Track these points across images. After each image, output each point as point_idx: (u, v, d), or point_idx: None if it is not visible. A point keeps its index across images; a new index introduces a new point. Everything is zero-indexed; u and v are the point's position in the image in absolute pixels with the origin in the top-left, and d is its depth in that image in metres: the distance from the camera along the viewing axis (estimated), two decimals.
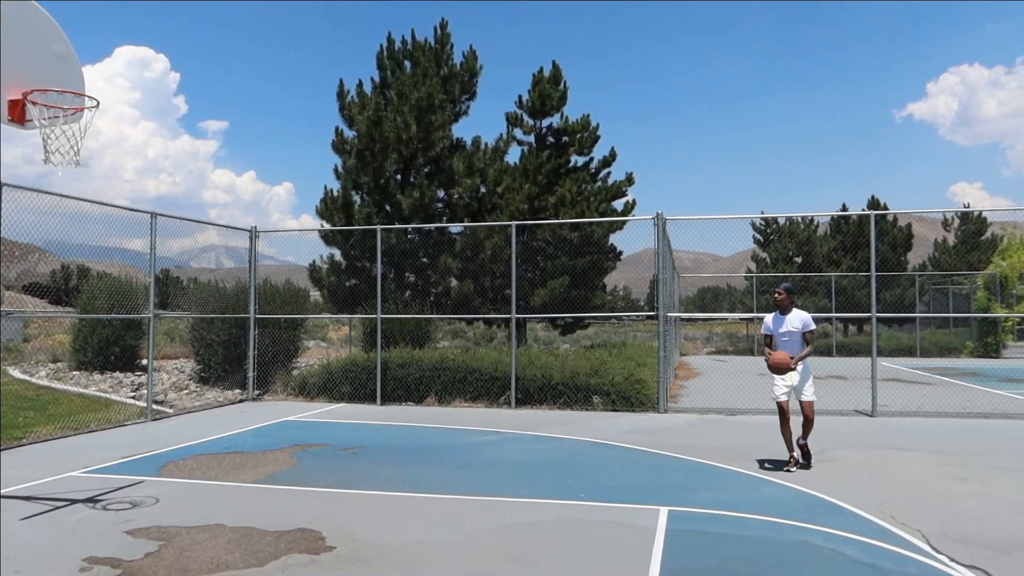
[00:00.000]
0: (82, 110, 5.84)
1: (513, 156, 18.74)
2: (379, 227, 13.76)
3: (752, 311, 27.75)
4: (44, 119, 5.57)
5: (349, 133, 17.42)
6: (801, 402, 7.44)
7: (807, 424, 7.44)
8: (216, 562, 4.62)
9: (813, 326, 7.43)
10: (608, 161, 18.56)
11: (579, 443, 9.04)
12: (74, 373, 15.79)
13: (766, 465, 7.58)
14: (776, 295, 7.54)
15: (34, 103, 5.55)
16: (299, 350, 16.43)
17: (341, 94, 17.54)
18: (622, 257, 18.45)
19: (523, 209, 17.06)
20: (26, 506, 5.97)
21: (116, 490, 6.52)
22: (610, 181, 18.37)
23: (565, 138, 18.36)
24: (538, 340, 28.02)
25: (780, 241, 33.30)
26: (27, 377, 15.23)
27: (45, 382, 14.53)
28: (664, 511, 5.78)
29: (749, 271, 33.41)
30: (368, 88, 17.70)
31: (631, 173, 18.39)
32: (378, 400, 12.74)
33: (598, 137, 18.35)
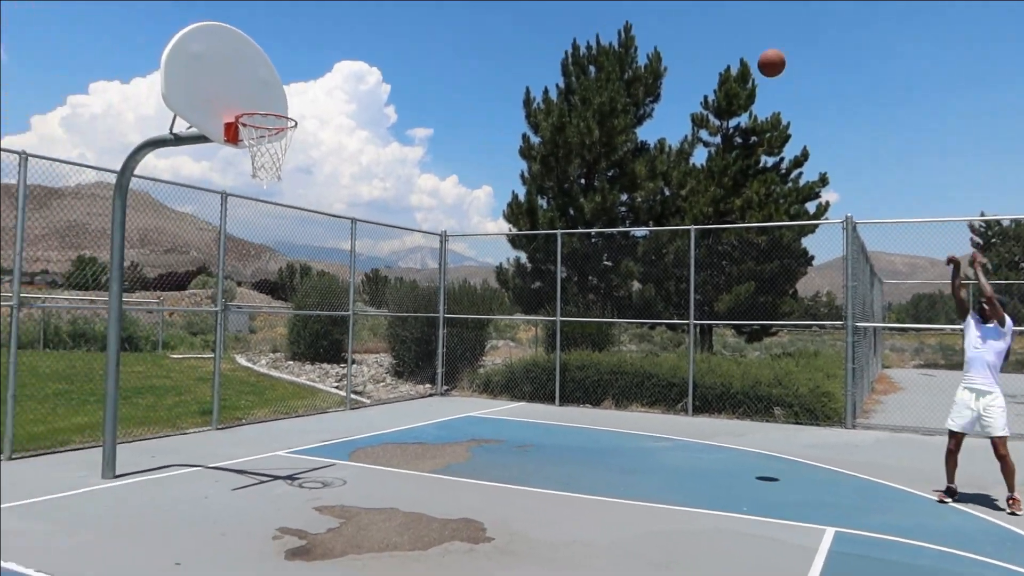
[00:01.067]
0: (284, 130, 6.60)
1: (698, 158, 18.37)
2: (560, 231, 14.11)
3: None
4: (252, 139, 6.37)
5: (535, 139, 17.93)
6: (992, 440, 6.39)
7: (1006, 469, 6.31)
8: (386, 543, 5.08)
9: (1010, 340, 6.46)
10: (799, 161, 17.68)
11: (751, 455, 8.78)
12: (289, 363, 17.60)
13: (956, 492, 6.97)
14: (984, 304, 6.53)
15: (244, 125, 6.37)
16: (485, 349, 17.17)
17: (527, 101, 18.09)
18: (814, 262, 17.48)
19: (707, 212, 16.69)
20: (237, 478, 6.86)
21: (311, 470, 7.29)
22: (802, 182, 17.49)
23: (753, 138, 17.72)
24: (727, 346, 27.18)
25: (1004, 245, 29.84)
26: (251, 365, 17.18)
27: (264, 370, 16.34)
28: (830, 531, 5.53)
29: (966, 278, 30.17)
30: (553, 94, 18.11)
31: (825, 173, 17.40)
32: (556, 400, 13.07)
33: (788, 136, 17.54)
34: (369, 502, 6.10)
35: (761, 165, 17.71)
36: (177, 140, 6.40)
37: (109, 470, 6.74)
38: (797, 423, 11.24)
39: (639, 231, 17.53)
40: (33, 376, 13.01)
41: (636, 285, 17.67)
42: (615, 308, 16.79)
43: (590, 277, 17.70)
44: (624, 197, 17.72)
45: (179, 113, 6.08)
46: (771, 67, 6.84)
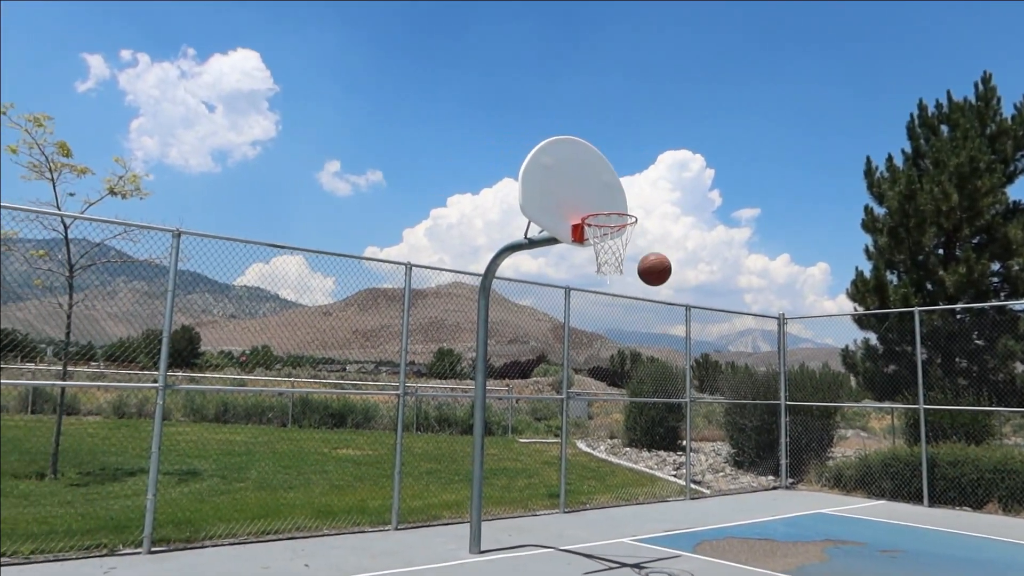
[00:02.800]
0: (624, 227, 6.95)
1: None
2: (917, 309, 12.71)
3: None
4: (596, 238, 6.80)
5: (879, 210, 16.57)
6: None
7: None
8: None
9: None
10: None
11: None
12: (626, 449, 17.85)
13: None
14: None
15: (589, 225, 6.83)
16: (834, 439, 15.81)
17: (869, 171, 16.87)
18: None
19: None
20: (587, 563, 7.05)
21: (657, 559, 7.23)
22: None
23: None
24: None
25: None
26: (590, 450, 17.75)
27: (603, 455, 16.75)
28: None
29: None
30: (899, 160, 16.68)
31: None
32: (925, 501, 11.49)
33: None
34: None
35: None
36: (531, 244, 7.08)
37: (475, 546, 7.37)
38: None
39: (1019, 304, 15.08)
40: (409, 455, 14.85)
41: (1020, 367, 15.09)
42: (992, 394, 14.46)
43: (958, 359, 15.54)
44: (996, 267, 15.46)
45: (533, 220, 6.74)
46: (653, 275, 6.05)
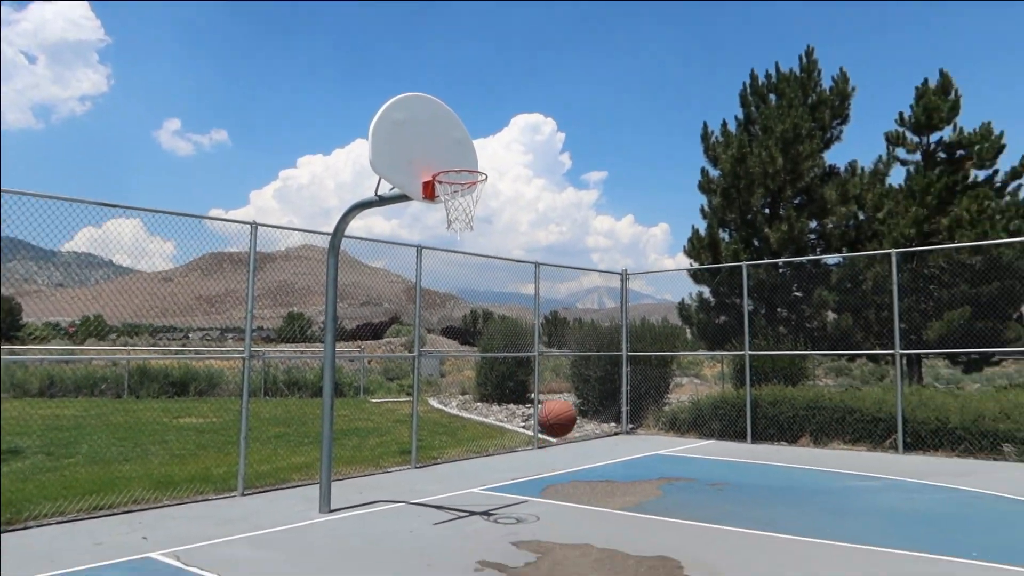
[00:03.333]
0: (475, 184, 6.99)
1: (895, 178, 17.21)
2: (744, 263, 13.70)
3: None
4: (447, 195, 6.81)
5: (714, 172, 17.63)
6: None
7: None
8: None
9: None
10: (1019, 172, 16.00)
11: (978, 496, 7.94)
12: (477, 404, 18.21)
13: None
14: None
15: (440, 182, 6.82)
16: (670, 386, 16.85)
17: (705, 135, 17.86)
18: None
19: (909, 234, 15.50)
20: (437, 514, 7.18)
21: (505, 507, 7.48)
22: (1021, 195, 15.81)
23: (960, 152, 16.30)
24: (940, 379, 24.82)
25: None
26: (442, 407, 17.96)
27: (455, 411, 17.01)
28: None
29: None
30: (732, 126, 17.76)
31: None
32: (748, 438, 12.54)
33: (1003, 146, 15.96)
34: (563, 538, 6.16)
35: (971, 180, 16.24)
36: (382, 201, 6.98)
37: (325, 505, 7.31)
38: None
39: (832, 258, 16.60)
40: (257, 421, 14.40)
41: (831, 315, 16.66)
42: (808, 340, 15.92)
43: (779, 309, 16.94)
44: (813, 224, 16.91)
45: (384, 176, 6.63)
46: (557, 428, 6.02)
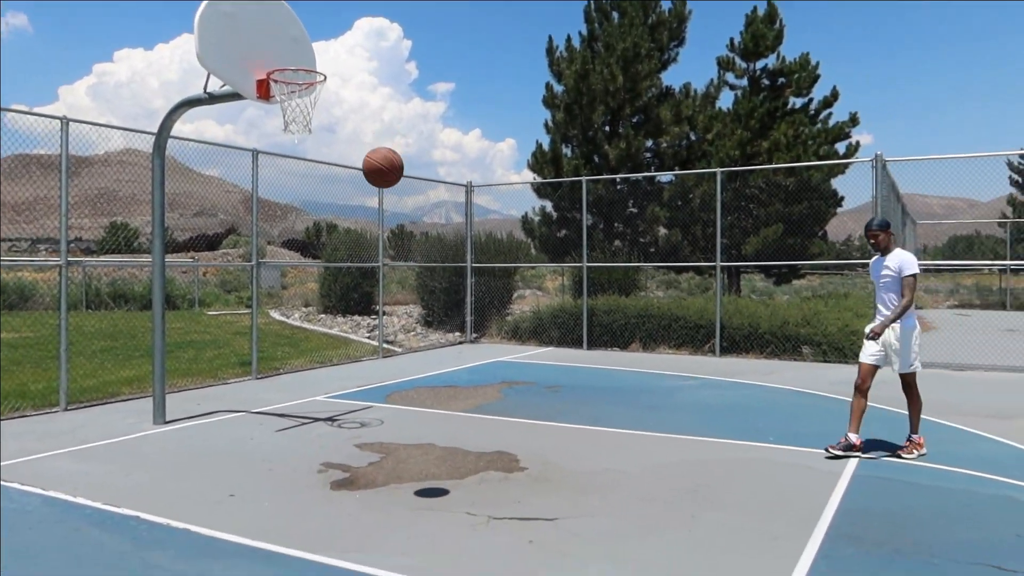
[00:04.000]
0: (313, 84, 6.73)
1: (725, 101, 18.21)
2: (585, 178, 14.17)
3: (1006, 259, 24.76)
4: (284, 95, 6.51)
5: (558, 88, 17.83)
6: (901, 377, 5.90)
7: (912, 405, 5.93)
8: (425, 473, 5.34)
9: (913, 269, 5.72)
10: (829, 101, 17.41)
11: (778, 391, 8.93)
12: (321, 316, 17.99)
13: (989, 420, 7.08)
14: (869, 237, 5.95)
15: (275, 81, 6.51)
16: (513, 297, 17.38)
17: (550, 50, 17.93)
18: (846, 205, 17.33)
19: (734, 156, 16.57)
20: (280, 421, 7.17)
21: (349, 412, 7.58)
22: (831, 123, 17.25)
23: (781, 79, 17.46)
24: (756, 291, 27.12)
25: None
26: (284, 319, 17.59)
27: (298, 323, 16.73)
28: (852, 459, 5.70)
29: (1004, 216, 29.57)
30: (576, 42, 17.93)
31: (855, 113, 17.14)
32: (584, 345, 13.27)
33: (818, 76, 17.26)
34: (407, 439, 6.37)
35: (789, 107, 17.48)
36: (212, 99, 6.57)
37: (160, 416, 7.08)
38: (826, 361, 11.34)
39: (665, 176, 17.49)
40: (80, 335, 13.50)
41: (662, 231, 17.68)
42: (641, 254, 16.86)
43: (616, 224, 17.74)
44: (649, 143, 17.64)
45: (213, 72, 6.23)
46: (379, 174, 5.09)
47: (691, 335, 12.64)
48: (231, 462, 5.68)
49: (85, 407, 7.89)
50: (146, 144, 7.89)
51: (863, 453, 5.78)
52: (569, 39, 17.97)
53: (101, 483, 5.10)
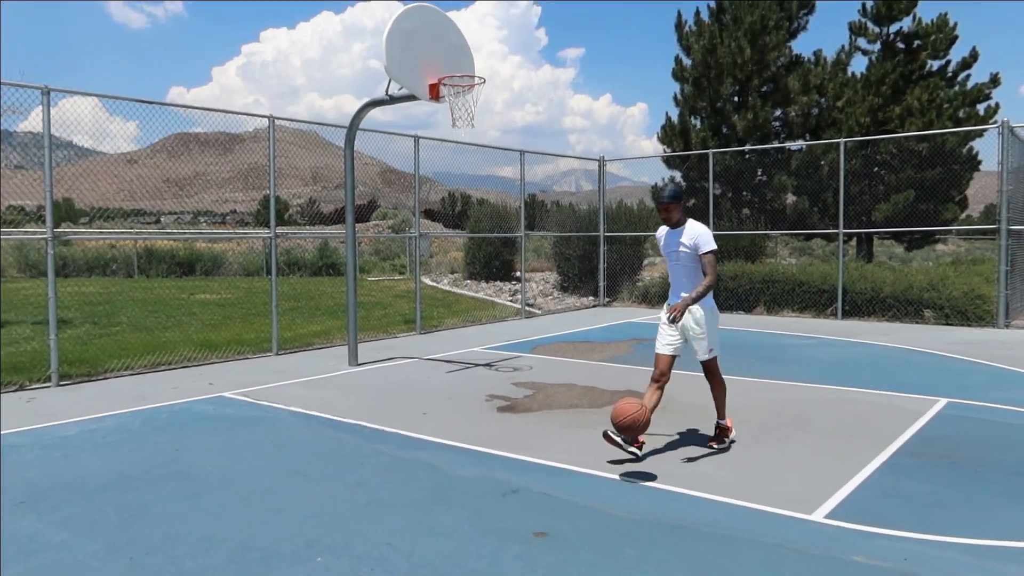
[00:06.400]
0: (474, 86, 8.10)
1: (858, 67, 18.26)
2: (712, 151, 14.94)
3: None
4: (451, 95, 7.92)
5: (687, 61, 18.51)
6: (702, 363, 5.43)
7: (716, 390, 5.53)
8: (569, 403, 6.68)
9: (712, 245, 5.28)
10: (968, 63, 17.17)
11: (893, 349, 9.63)
12: (467, 282, 19.74)
13: None
14: (660, 210, 5.37)
15: (444, 84, 7.92)
16: (643, 264, 18.41)
17: (679, 24, 18.60)
18: (981, 167, 17.09)
19: (864, 123, 16.75)
20: (447, 366, 8.72)
21: (503, 360, 9.04)
22: (969, 84, 17.02)
23: (917, 42, 17.36)
24: (893, 257, 26.68)
25: None
26: (435, 284, 19.46)
27: (448, 287, 18.53)
28: (944, 401, 6.53)
29: None
30: (705, 16, 18.50)
31: (997, 73, 16.82)
32: None
33: (956, 37, 17.05)
34: (552, 380, 7.73)
35: (925, 70, 17.37)
36: (392, 100, 8.08)
37: (354, 359, 8.80)
38: (947, 324, 11.77)
39: (792, 146, 17.87)
40: (266, 296, 15.73)
41: (791, 198, 18.11)
42: (769, 221, 17.42)
43: (744, 192, 18.33)
44: (778, 112, 18.05)
45: (396, 79, 7.71)
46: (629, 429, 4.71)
47: (814, 299, 13.29)
48: (417, 393, 7.24)
49: (290, 353, 9.77)
50: (288, 122, 9.27)
51: (638, 461, 4.97)
52: (698, 12, 18.58)
53: (326, 403, 6.76)
